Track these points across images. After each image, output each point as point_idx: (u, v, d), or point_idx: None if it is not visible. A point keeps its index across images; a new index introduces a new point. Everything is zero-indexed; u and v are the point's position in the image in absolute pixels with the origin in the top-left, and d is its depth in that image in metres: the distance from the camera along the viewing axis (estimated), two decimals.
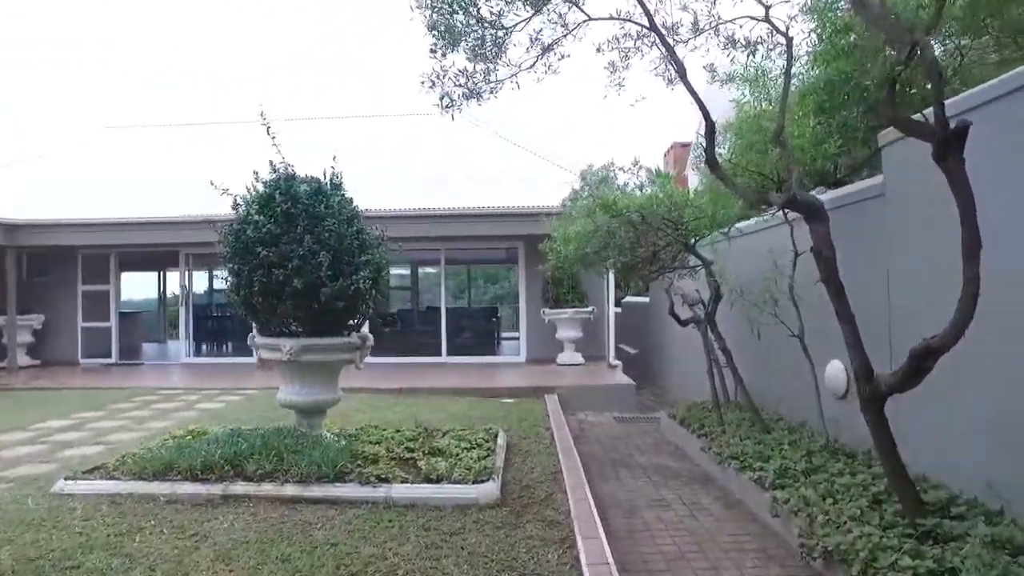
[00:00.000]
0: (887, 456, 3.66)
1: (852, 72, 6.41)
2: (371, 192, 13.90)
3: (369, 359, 14.69)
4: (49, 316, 14.57)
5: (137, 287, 23.66)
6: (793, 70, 7.18)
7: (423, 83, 4.48)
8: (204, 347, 16.61)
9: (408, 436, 6.29)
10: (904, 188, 4.80)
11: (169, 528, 4.20)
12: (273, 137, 5.70)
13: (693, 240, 7.64)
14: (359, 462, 5.27)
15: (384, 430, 6.68)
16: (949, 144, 2.71)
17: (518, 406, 9.25)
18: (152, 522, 4.29)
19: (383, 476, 4.94)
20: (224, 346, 16.64)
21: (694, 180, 10.13)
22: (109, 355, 15.02)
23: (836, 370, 5.72)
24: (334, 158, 6.05)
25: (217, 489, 4.81)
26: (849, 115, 6.97)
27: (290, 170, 5.81)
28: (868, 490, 4.36)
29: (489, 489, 4.84)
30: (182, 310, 15.52)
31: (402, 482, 4.90)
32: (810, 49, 6.55)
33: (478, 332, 16.15)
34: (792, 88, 7.18)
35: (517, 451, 6.56)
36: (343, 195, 5.91)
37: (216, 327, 16.89)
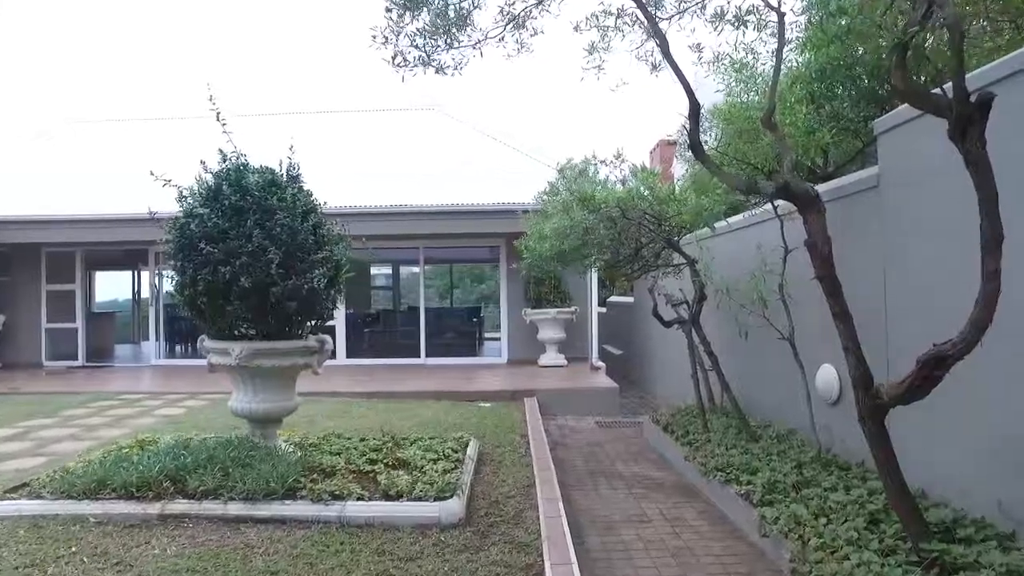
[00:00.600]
0: (889, 474, 3.29)
1: (844, 58, 6.06)
2: (346, 188, 13.49)
3: (346, 361, 14.39)
4: (10, 317, 13.97)
5: (117, 287, 23.02)
6: (783, 56, 6.84)
7: (374, 38, 4.02)
8: (177, 348, 16.08)
9: (372, 446, 5.87)
10: (903, 178, 4.43)
11: (91, 556, 3.76)
12: (224, 124, 5.27)
13: (677, 236, 7.27)
14: (314, 476, 4.85)
15: (348, 438, 6.26)
16: (969, 120, 2.33)
17: (495, 411, 8.85)
18: (73, 549, 3.84)
19: (337, 492, 4.51)
20: (197, 347, 16.11)
21: (680, 172, 9.77)
22: (75, 357, 14.46)
23: (828, 375, 5.36)
24: (291, 148, 5.63)
25: (154, 508, 4.37)
26: (840, 105, 6.63)
27: (242, 160, 5.38)
28: (864, 508, 3.99)
29: (452, 507, 4.43)
30: (151, 310, 14.99)
31: (358, 499, 4.48)
32: (800, 34, 6.19)
33: (459, 333, 15.73)
34: (782, 74, 6.83)
35: (489, 461, 6.15)
36: (300, 187, 5.48)
37: (188, 328, 16.31)
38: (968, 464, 3.85)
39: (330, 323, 14.12)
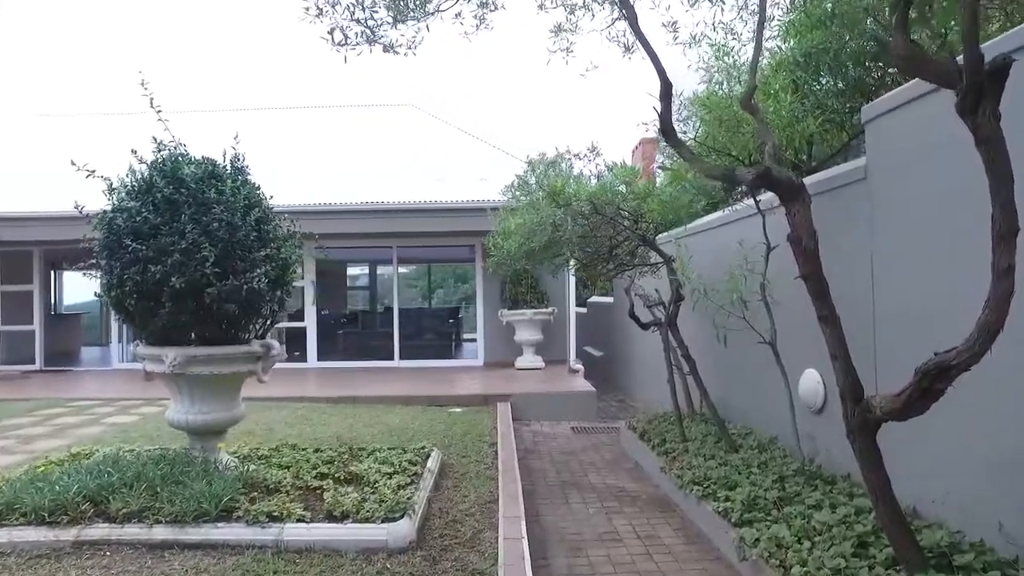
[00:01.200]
0: (880, 497, 2.93)
1: (829, 44, 5.71)
2: (317, 185, 13.05)
3: (317, 363, 13.91)
4: None
5: (91, 287, 22.31)
6: (766, 43, 6.49)
7: (307, 10, 3.60)
8: None
9: (325, 458, 5.46)
10: (893, 168, 4.08)
11: None
12: (159, 110, 4.84)
13: (654, 234, 6.91)
14: (255, 494, 4.43)
15: (303, 449, 5.85)
16: (980, 90, 1.97)
17: (465, 416, 8.45)
18: None
19: (276, 513, 4.09)
20: (132, 353, 15.55)
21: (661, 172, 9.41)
22: (32, 361, 13.86)
23: (812, 381, 5.00)
24: (235, 137, 5.20)
25: (68, 535, 3.92)
26: (825, 96, 6.30)
27: (181, 150, 4.95)
28: (852, 529, 3.63)
29: (402, 529, 4.02)
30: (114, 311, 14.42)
31: (298, 520, 4.06)
32: (784, 17, 5.85)
33: (434, 334, 15.30)
34: (765, 60, 6.48)
35: (451, 473, 5.75)
36: (245, 180, 5.06)
37: None
38: (967, 480, 3.50)
39: (301, 325, 13.75)
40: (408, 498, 4.39)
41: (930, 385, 2.35)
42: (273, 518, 4.05)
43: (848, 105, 6.12)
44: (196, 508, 4.03)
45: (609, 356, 13.65)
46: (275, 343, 5.09)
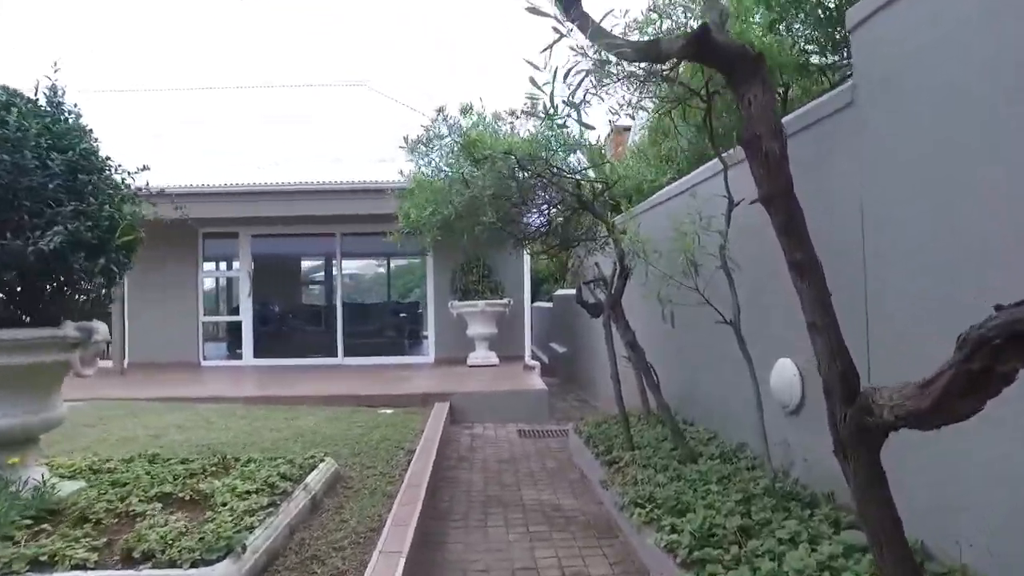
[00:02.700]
0: (887, 541, 1.85)
1: None
2: (254, 166, 11.88)
3: (253, 361, 12.66)
4: None
5: None
6: None
7: None
8: None
9: (180, 472, 4.32)
10: (888, 81, 3.00)
11: None
12: None
13: (607, 204, 5.83)
14: (47, 526, 3.30)
15: (165, 460, 4.75)
16: None
17: (393, 419, 7.32)
18: None
19: (46, 557, 2.95)
20: None
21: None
22: None
23: (786, 373, 3.93)
24: (55, 64, 4.05)
25: None
26: (805, 26, 5.28)
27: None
28: None
29: (218, 574, 2.89)
30: None
31: (75, 567, 2.92)
32: None
33: (383, 329, 14.12)
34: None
35: (344, 488, 4.63)
36: (65, 119, 3.92)
37: None
38: (1006, 508, 2.43)
39: (236, 319, 12.55)
40: (245, 529, 3.26)
41: (990, 363, 1.26)
42: (38, 565, 2.91)
43: (832, 34, 5.11)
44: None
45: (572, 352, 12.56)
46: (100, 327, 3.94)
